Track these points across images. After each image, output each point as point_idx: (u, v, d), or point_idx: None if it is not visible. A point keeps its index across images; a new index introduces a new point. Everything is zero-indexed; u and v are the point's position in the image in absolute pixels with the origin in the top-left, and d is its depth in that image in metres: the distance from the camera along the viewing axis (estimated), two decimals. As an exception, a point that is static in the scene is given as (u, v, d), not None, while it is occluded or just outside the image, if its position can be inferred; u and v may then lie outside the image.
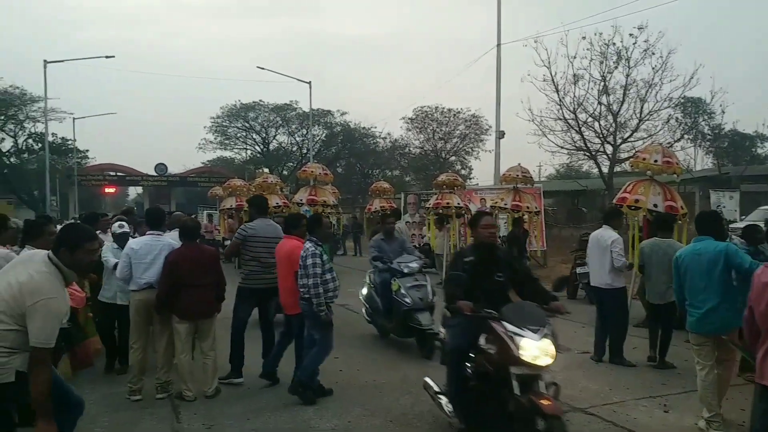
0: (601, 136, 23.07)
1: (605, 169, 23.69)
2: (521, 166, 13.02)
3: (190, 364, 5.61)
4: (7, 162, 41.37)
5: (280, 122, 43.43)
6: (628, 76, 21.97)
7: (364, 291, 8.35)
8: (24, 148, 41.98)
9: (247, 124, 44.01)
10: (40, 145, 37.80)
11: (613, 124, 22.76)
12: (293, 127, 43.40)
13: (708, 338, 4.76)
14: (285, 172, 42.32)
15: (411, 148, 44.67)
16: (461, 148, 44.07)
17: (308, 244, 5.40)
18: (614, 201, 9.05)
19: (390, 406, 5.29)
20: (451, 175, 14.73)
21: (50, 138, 41.18)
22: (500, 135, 19.86)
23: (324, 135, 43.58)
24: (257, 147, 46.11)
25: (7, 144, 41.00)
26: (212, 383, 5.59)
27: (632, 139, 22.98)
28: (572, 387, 5.91)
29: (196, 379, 5.63)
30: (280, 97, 48.12)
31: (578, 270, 11.38)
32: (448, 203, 13.12)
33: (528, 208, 13.16)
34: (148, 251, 5.53)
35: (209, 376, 5.61)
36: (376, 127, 44.69)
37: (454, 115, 42.55)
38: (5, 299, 2.94)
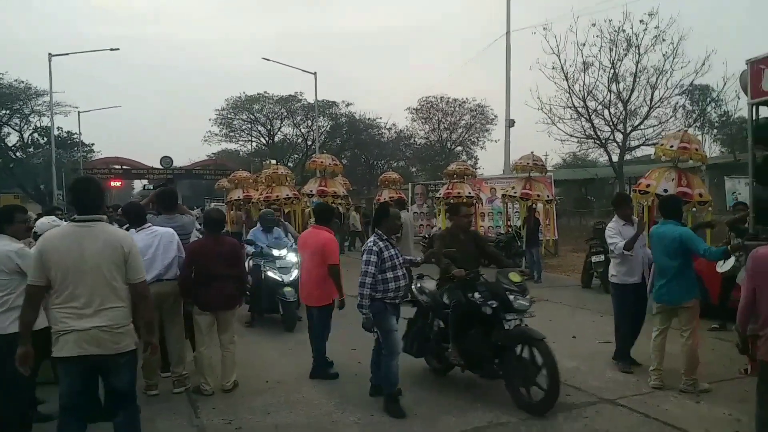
0: (611, 123, 22.80)
1: (615, 158, 23.42)
2: (534, 154, 12.82)
3: (209, 358, 5.49)
4: (13, 156, 41.35)
5: (285, 114, 43.19)
6: (638, 63, 21.63)
7: None
8: (29, 142, 41.94)
9: (252, 116, 43.76)
10: (45, 139, 37.70)
11: (623, 112, 22.45)
12: (298, 118, 43.16)
13: (664, 307, 5.51)
14: (290, 164, 42.10)
15: (416, 139, 44.70)
16: (467, 138, 43.95)
17: (371, 239, 5.13)
18: (634, 188, 9.07)
19: (414, 397, 5.16)
20: (461, 164, 14.58)
21: (56, 132, 41.28)
22: (510, 123, 19.63)
23: (329, 126, 43.36)
24: (262, 139, 45.92)
25: (13, 138, 41.02)
26: (231, 377, 5.49)
27: (642, 126, 22.71)
28: (598, 377, 5.78)
29: (215, 373, 5.53)
30: (285, 89, 47.83)
31: (593, 259, 11.24)
32: (459, 192, 12.97)
33: (539, 196, 12.98)
34: (148, 246, 5.28)
35: (227, 370, 5.51)
36: (381, 118, 44.41)
37: (460, 105, 42.49)
38: None
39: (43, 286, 3.33)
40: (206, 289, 5.33)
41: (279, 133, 44.97)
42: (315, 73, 30.61)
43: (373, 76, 76.22)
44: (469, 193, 13.21)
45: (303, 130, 43.63)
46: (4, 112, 39.04)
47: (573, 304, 9.92)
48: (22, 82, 37.66)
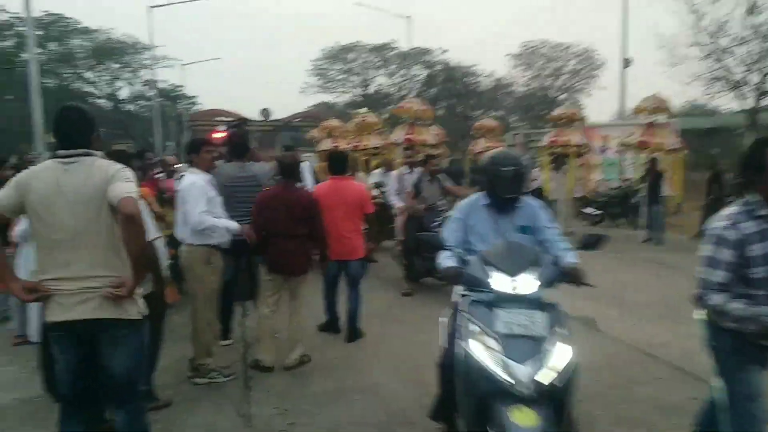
0: (745, 63, 19.75)
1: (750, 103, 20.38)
2: (658, 95, 10.94)
3: (272, 324, 4.74)
4: (123, 109, 43.46)
5: (380, 63, 42.15)
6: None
7: None
8: (139, 95, 43.84)
9: (346, 66, 43.13)
10: (154, 91, 39.11)
11: (762, 49, 19.34)
12: (392, 67, 42.04)
13: None
14: (385, 116, 41.26)
15: (516, 87, 42.31)
16: (572, 86, 40.95)
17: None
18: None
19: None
20: (570, 107, 12.87)
21: (162, 85, 42.92)
22: (626, 63, 17.34)
23: (424, 75, 41.85)
24: (357, 89, 45.26)
25: (125, 92, 42.97)
26: (294, 353, 4.71)
27: (785, 65, 19.48)
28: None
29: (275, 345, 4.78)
30: (378, 38, 46.57)
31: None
32: (566, 140, 11.41)
33: (661, 145, 11.13)
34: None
35: (291, 344, 4.74)
36: (478, 65, 42.18)
37: (564, 49, 39.56)
38: None
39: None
40: (272, 247, 4.61)
41: (373, 83, 44.13)
42: (409, 17, 29.25)
43: (470, 21, 72.44)
44: (579, 140, 11.60)
45: (397, 80, 42.45)
46: (116, 66, 40.85)
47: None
48: (131, 36, 39.01)
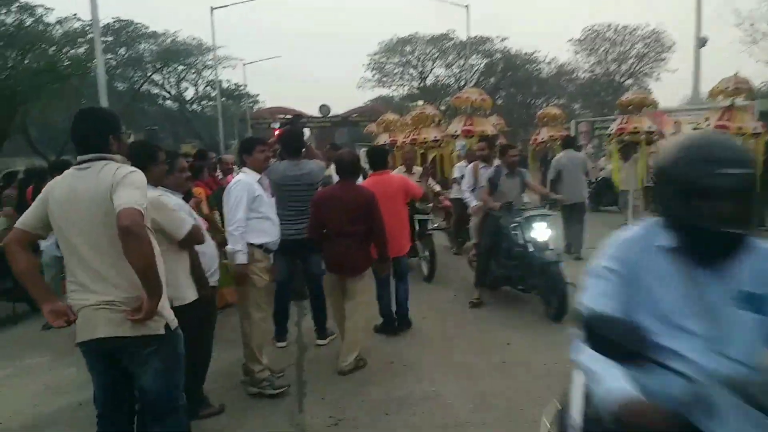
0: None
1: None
2: (738, 76, 10.08)
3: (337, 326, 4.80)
4: (190, 109, 44.88)
5: (437, 54, 41.66)
6: None
7: None
8: (203, 95, 45.17)
9: (403, 59, 42.87)
10: (219, 90, 40.15)
11: None
12: (450, 58, 41.48)
13: None
14: (443, 107, 40.80)
15: (579, 73, 40.92)
16: (638, 70, 39.14)
17: None
18: None
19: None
20: (640, 92, 12.12)
21: (225, 85, 44.05)
22: (701, 43, 16.21)
23: (482, 65, 41.04)
24: (414, 82, 44.92)
25: (190, 93, 44.38)
26: (349, 356, 4.53)
27: None
28: None
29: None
30: (436, 28, 46.06)
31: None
32: (636, 127, 10.72)
33: (741, 129, 10.26)
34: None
35: (346, 347, 4.57)
36: (539, 52, 40.91)
37: (630, 32, 37.91)
38: None
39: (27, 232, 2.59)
40: (329, 246, 4.58)
41: (431, 75, 43.69)
42: (467, 6, 28.68)
43: (530, 7, 70.46)
44: (650, 127, 10.87)
45: (456, 71, 41.85)
46: (181, 68, 42.21)
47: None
48: (195, 38, 40.20)
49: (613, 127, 11.62)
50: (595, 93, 39.54)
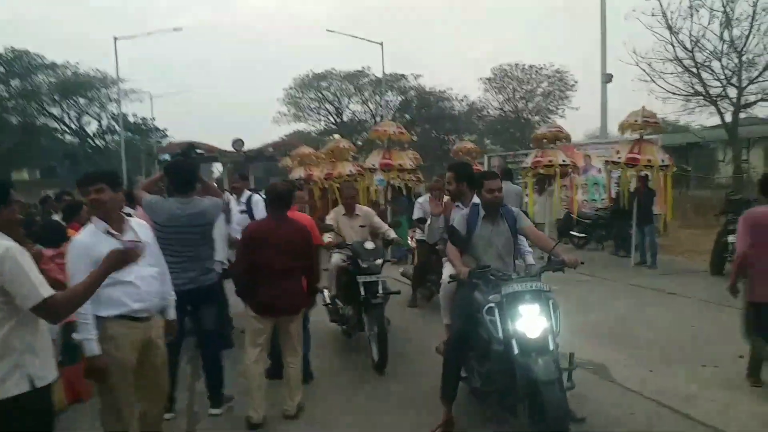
0: (723, 77, 19.53)
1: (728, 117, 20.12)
2: (645, 109, 10.36)
3: (260, 375, 4.25)
4: (93, 144, 42.35)
5: (353, 90, 41.86)
6: (756, 3, 18.26)
7: None
8: (107, 129, 42.81)
9: (319, 94, 42.75)
10: (123, 125, 38.12)
11: (738, 63, 19.14)
12: (366, 94, 41.82)
13: None
14: (359, 143, 40.85)
15: (489, 110, 42.31)
16: (544, 107, 41.04)
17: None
18: None
19: None
20: (553, 126, 12.28)
21: (131, 119, 41.97)
22: (607, 79, 16.87)
23: (398, 101, 41.62)
24: (331, 118, 44.81)
25: (93, 127, 41.94)
26: (295, 399, 4.29)
27: (762, 78, 19.27)
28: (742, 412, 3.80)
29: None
30: (351, 64, 46.37)
31: (729, 239, 8.86)
32: (551, 160, 10.78)
33: (650, 161, 10.51)
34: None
35: (292, 391, 4.30)
36: (452, 89, 42.09)
37: (536, 71, 39.77)
38: None
39: None
40: (265, 287, 4.15)
41: (347, 110, 43.83)
42: (381, 43, 29.10)
43: (441, 46, 72.85)
44: (564, 160, 10.99)
45: (371, 106, 42.16)
46: (83, 101, 39.86)
47: (710, 299, 7.62)
48: (98, 71, 38.15)
49: (528, 160, 11.67)
50: (505, 129, 40.91)
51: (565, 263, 3.76)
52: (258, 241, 4.16)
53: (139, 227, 3.36)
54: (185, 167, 4.54)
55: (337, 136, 16.89)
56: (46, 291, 2.37)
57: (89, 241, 3.09)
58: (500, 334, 3.50)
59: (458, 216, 4.27)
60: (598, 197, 14.17)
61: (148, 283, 3.26)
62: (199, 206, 4.30)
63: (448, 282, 4.26)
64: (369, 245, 5.63)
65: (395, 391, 4.74)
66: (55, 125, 40.35)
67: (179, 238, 4.12)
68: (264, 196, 4.92)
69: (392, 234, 6.16)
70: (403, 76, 40.71)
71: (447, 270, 4.55)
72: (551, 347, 3.42)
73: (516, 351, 3.39)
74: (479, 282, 3.80)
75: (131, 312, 3.13)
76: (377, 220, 6.29)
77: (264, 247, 4.13)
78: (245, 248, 4.21)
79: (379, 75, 34.44)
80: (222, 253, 5.34)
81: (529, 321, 3.43)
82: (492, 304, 3.55)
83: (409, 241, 8.45)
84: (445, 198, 5.46)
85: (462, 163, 7.50)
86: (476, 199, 4.32)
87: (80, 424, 4.14)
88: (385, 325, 5.22)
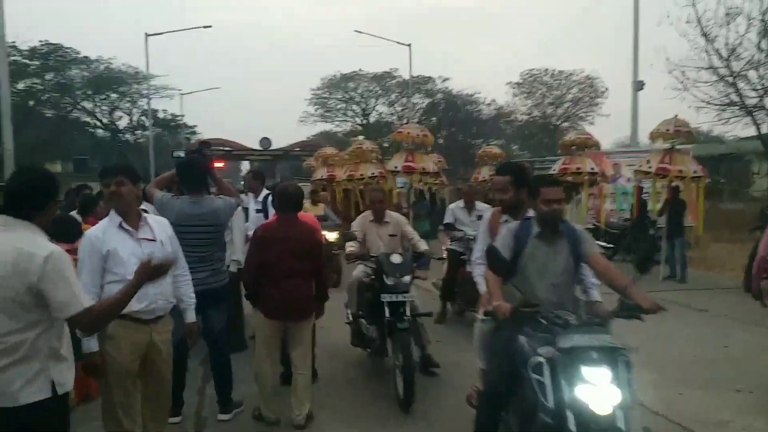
0: (760, 87, 18.91)
1: (765, 129, 19.49)
2: (678, 118, 10.02)
3: (273, 378, 4.31)
4: (122, 138, 42.97)
5: (380, 92, 41.80)
6: (796, 12, 17.62)
7: None
8: (138, 125, 43.39)
9: (347, 95, 42.78)
10: (152, 120, 38.62)
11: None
12: (393, 96, 41.72)
13: None
14: (385, 144, 40.80)
15: (517, 115, 41.97)
16: (573, 113, 40.47)
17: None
18: None
19: None
20: (582, 133, 11.99)
21: (161, 115, 42.49)
22: (638, 86, 16.47)
23: (425, 104, 41.41)
24: (357, 119, 44.81)
25: (124, 122, 42.54)
26: (303, 408, 4.15)
27: (801, 89, 18.62)
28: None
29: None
30: (379, 66, 46.35)
31: None
32: (578, 168, 10.51)
33: (681, 172, 10.16)
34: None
35: (299, 399, 4.16)
36: (479, 93, 41.65)
37: (566, 77, 39.39)
38: None
39: None
40: (273, 288, 4.07)
41: (374, 111, 43.72)
42: (410, 45, 28.96)
43: (471, 50, 72.51)
44: (591, 168, 10.71)
45: (398, 108, 42.03)
46: (115, 96, 40.45)
47: (744, 318, 7.26)
48: (131, 66, 38.65)
49: (555, 167, 11.40)
50: (533, 135, 40.46)
51: (642, 309, 2.80)
52: (267, 241, 4.11)
53: (157, 224, 3.33)
54: (196, 165, 4.44)
55: (361, 137, 16.78)
56: (88, 301, 2.33)
57: (101, 235, 3.11)
58: (551, 403, 2.62)
59: (504, 231, 3.33)
60: (627, 207, 13.82)
61: (154, 282, 3.14)
62: (211, 206, 4.21)
63: (482, 320, 3.40)
64: (396, 258, 4.92)
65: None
66: (87, 119, 41.04)
67: (189, 238, 4.01)
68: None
69: (424, 245, 5.52)
70: (430, 78, 40.49)
71: (480, 285, 3.69)
72: (624, 428, 2.54)
73: (573, 429, 2.54)
74: (525, 325, 2.92)
75: (131, 312, 3.00)
76: (409, 229, 5.67)
77: (273, 246, 4.07)
78: (255, 247, 4.17)
79: (407, 77, 34.31)
80: (240, 253, 5.24)
81: (596, 390, 2.55)
82: (542, 359, 2.69)
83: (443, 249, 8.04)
84: (493, 208, 4.41)
85: (517, 163, 5.99)
86: (532, 212, 3.41)
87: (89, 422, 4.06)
88: (413, 356, 4.48)
